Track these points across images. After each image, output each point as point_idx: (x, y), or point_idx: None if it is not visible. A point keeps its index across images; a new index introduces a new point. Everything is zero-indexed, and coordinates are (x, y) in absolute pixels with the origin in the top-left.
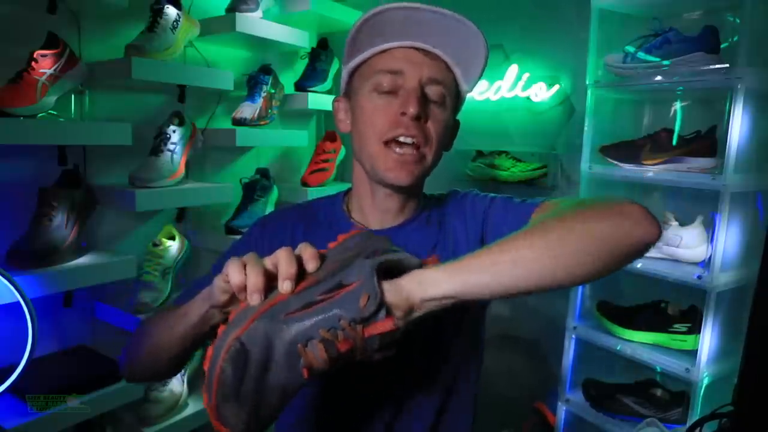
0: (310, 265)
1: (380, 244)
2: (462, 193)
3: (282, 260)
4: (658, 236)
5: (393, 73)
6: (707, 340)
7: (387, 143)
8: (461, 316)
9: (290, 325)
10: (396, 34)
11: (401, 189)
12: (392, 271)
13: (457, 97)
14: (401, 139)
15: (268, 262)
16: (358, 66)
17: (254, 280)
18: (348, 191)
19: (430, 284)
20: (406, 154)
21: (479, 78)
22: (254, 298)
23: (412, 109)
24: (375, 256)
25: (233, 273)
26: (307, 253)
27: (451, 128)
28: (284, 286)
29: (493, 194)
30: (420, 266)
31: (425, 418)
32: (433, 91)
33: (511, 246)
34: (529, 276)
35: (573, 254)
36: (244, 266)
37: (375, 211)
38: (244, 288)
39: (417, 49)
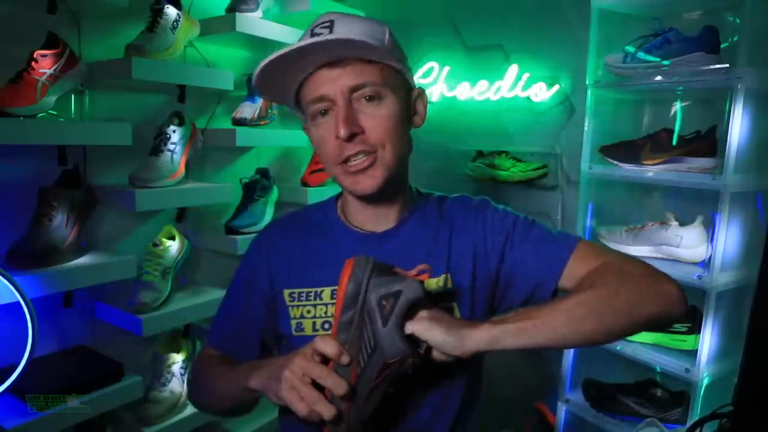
0: (344, 359)
1: (377, 288)
2: (477, 202)
3: (324, 346)
4: (681, 315)
5: (319, 100)
6: (707, 340)
7: (340, 164)
8: None
9: (367, 410)
10: (307, 62)
11: (375, 196)
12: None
13: (396, 77)
14: (350, 162)
15: (310, 370)
16: (297, 95)
17: (314, 398)
18: (339, 196)
19: (500, 340)
20: (359, 163)
21: (397, 46)
22: (327, 413)
23: (341, 133)
24: (384, 312)
25: (295, 404)
26: (332, 351)
27: (405, 107)
28: (338, 391)
29: (513, 212)
30: (423, 293)
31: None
32: (361, 94)
33: (571, 313)
34: (576, 338)
35: (621, 327)
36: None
37: (368, 218)
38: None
39: (328, 65)
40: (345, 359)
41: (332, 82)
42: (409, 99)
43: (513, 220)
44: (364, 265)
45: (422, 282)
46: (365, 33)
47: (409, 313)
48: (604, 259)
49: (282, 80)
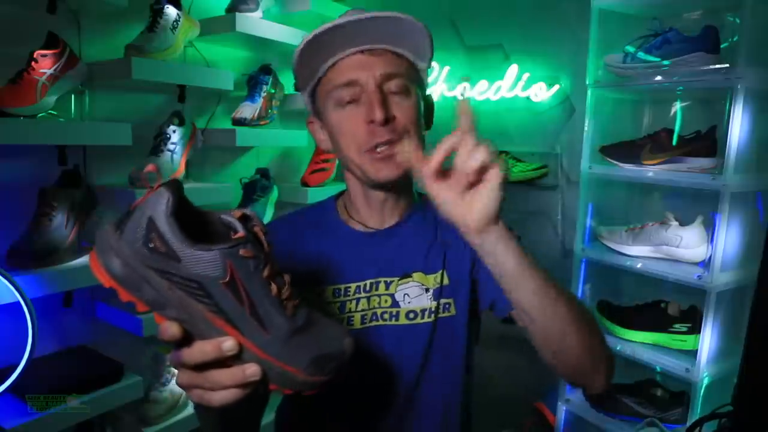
0: (171, 331)
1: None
2: None
3: (196, 353)
4: (600, 391)
5: (348, 84)
6: (707, 340)
7: (368, 150)
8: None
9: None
10: (338, 46)
11: (395, 185)
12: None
13: (419, 78)
14: (379, 148)
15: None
16: (315, 86)
17: (226, 380)
18: (339, 196)
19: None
20: (387, 149)
21: (432, 51)
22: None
23: (378, 116)
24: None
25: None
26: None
27: (425, 108)
28: (227, 346)
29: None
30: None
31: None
32: (392, 84)
33: (577, 306)
34: (554, 323)
35: (581, 355)
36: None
37: (373, 213)
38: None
39: (362, 51)
40: (171, 330)
41: (366, 68)
42: (426, 101)
43: None
44: (105, 237)
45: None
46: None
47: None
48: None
49: (315, 60)
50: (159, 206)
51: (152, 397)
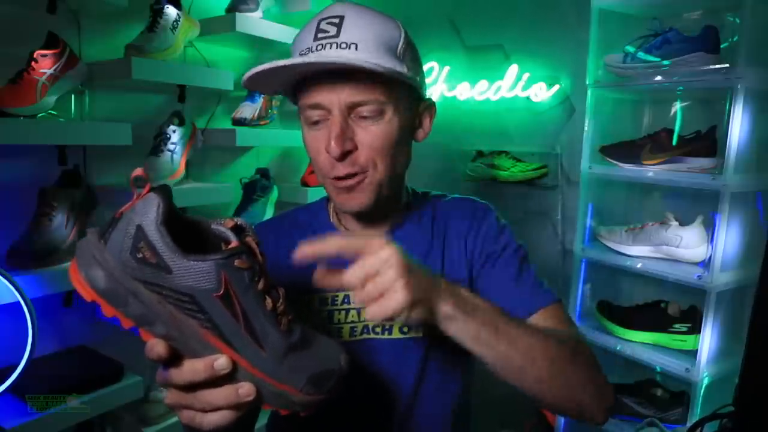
0: (157, 350)
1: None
2: (479, 206)
3: (186, 373)
4: (600, 424)
5: (314, 107)
6: (707, 340)
7: (329, 178)
8: None
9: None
10: (303, 65)
11: (364, 214)
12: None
13: (400, 93)
14: (339, 180)
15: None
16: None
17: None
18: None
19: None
20: (350, 182)
21: (418, 58)
22: (247, 392)
23: (333, 151)
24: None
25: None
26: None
27: (407, 122)
28: (220, 364)
29: (511, 235)
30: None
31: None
32: (362, 109)
33: (552, 348)
34: (534, 377)
35: (565, 397)
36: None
37: (362, 223)
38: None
39: (333, 71)
40: (157, 349)
41: (332, 93)
42: (415, 112)
43: (506, 241)
44: (86, 247)
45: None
46: (377, 34)
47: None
48: (567, 329)
49: (275, 81)
50: (149, 213)
51: (152, 397)
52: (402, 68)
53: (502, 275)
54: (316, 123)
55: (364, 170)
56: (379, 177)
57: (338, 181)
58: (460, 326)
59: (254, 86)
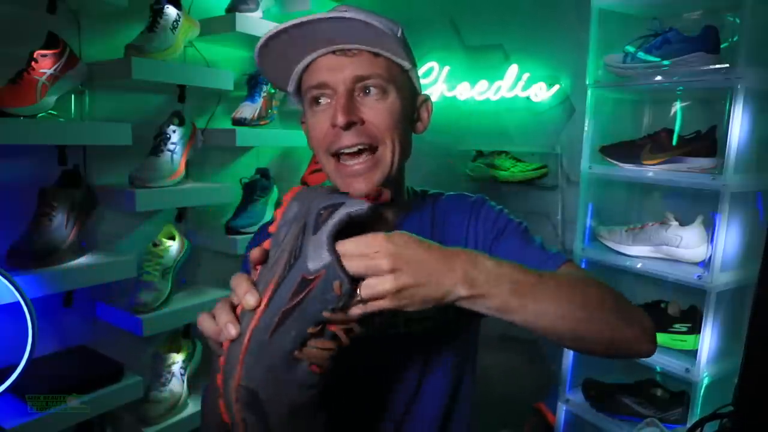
0: (257, 261)
1: (319, 202)
2: (474, 199)
3: (233, 282)
4: (650, 355)
5: (319, 86)
6: (707, 340)
7: (337, 157)
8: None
9: (279, 343)
10: (308, 46)
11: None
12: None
13: (401, 78)
14: (346, 150)
15: (231, 295)
16: (299, 85)
17: (224, 318)
18: None
19: (485, 292)
20: (358, 164)
21: (409, 57)
22: (230, 330)
23: (339, 120)
24: (319, 220)
25: (204, 325)
26: (253, 254)
27: (408, 109)
28: (247, 300)
29: (509, 215)
30: (367, 210)
31: (439, 401)
32: (366, 84)
33: (578, 292)
34: (569, 324)
35: (606, 334)
36: (213, 316)
37: None
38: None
39: (335, 52)
40: (250, 299)
41: (336, 70)
42: (414, 103)
43: (506, 221)
44: (311, 189)
45: (376, 203)
46: (379, 21)
47: (352, 233)
48: (588, 277)
49: (284, 59)
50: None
51: (152, 397)
52: (401, 53)
53: (508, 248)
54: (320, 104)
55: (375, 144)
56: (388, 158)
57: (345, 165)
58: (486, 303)
59: (265, 66)
